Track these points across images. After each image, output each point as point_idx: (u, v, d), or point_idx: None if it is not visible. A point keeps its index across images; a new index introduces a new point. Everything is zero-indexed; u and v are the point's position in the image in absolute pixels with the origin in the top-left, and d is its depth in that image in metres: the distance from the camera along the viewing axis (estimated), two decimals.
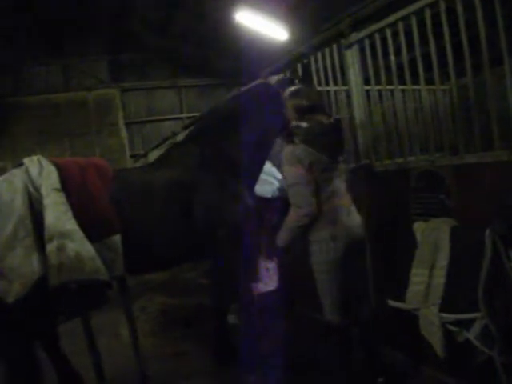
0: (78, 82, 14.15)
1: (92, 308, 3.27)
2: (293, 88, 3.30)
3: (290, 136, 3.11)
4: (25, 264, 2.80)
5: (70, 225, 2.92)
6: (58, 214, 2.90)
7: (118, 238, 3.10)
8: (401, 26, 3.42)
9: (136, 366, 3.59)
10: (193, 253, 3.59)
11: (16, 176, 3.04)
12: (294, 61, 4.74)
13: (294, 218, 2.99)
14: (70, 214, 2.96)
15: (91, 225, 3.02)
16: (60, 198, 2.98)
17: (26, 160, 3.15)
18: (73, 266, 2.83)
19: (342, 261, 3.03)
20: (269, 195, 4.06)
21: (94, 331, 3.54)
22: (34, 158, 3.16)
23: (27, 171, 3.04)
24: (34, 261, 2.81)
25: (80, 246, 2.89)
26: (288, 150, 3.05)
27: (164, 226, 3.37)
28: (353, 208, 3.19)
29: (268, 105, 3.56)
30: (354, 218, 3.15)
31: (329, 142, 3.06)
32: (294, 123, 3.13)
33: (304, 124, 3.08)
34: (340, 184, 3.14)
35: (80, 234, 2.93)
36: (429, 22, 3.20)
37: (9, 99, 13.20)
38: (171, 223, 3.39)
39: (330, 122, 3.15)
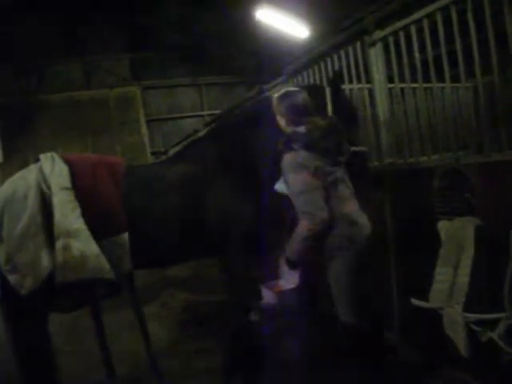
0: (99, 80, 14.26)
1: (102, 298, 3.31)
2: (284, 91, 3.22)
3: (288, 143, 3.01)
4: (36, 260, 2.91)
5: (77, 223, 2.99)
6: (64, 212, 2.97)
7: (125, 235, 3.14)
8: (426, 23, 3.39)
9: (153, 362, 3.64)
10: (205, 249, 3.61)
11: (31, 172, 3.14)
12: (316, 59, 4.73)
13: (307, 226, 2.86)
14: (77, 211, 3.03)
15: (99, 223, 3.07)
16: (68, 196, 3.04)
17: (41, 156, 3.24)
18: (77, 265, 2.91)
19: (358, 263, 3.02)
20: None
21: (116, 327, 3.58)
22: (48, 154, 3.25)
23: (41, 168, 3.13)
24: (44, 257, 2.91)
25: (85, 244, 2.96)
26: (289, 157, 2.95)
27: (174, 221, 3.37)
28: (361, 209, 3.14)
29: None
30: (364, 220, 3.11)
31: (329, 144, 2.99)
32: (290, 129, 3.06)
33: (302, 129, 3.01)
34: (345, 187, 3.08)
35: (86, 233, 2.99)
36: (454, 18, 3.17)
37: (32, 97, 13.38)
38: (182, 219, 3.39)
39: (328, 124, 3.08)
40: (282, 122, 3.14)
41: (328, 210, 2.87)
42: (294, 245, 2.97)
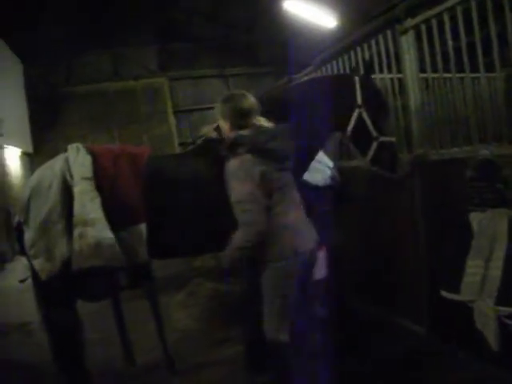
0: (126, 71, 14.41)
1: (124, 287, 3.39)
2: (227, 94, 3.07)
3: (233, 147, 2.83)
4: (55, 246, 3.03)
5: (94, 213, 3.05)
6: (83, 201, 3.06)
7: (142, 226, 3.18)
8: (459, 10, 3.32)
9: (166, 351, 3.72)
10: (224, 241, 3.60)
11: (57, 162, 3.24)
12: (346, 48, 4.68)
13: (242, 237, 2.70)
14: (97, 201, 3.09)
15: (118, 213, 3.13)
16: (89, 186, 3.11)
17: (68, 147, 3.33)
18: (91, 253, 2.99)
19: (296, 278, 2.83)
20: (320, 183, 4.03)
21: (145, 315, 3.63)
22: (74, 145, 3.32)
23: (67, 159, 3.22)
24: (62, 244, 3.04)
25: (100, 233, 3.03)
26: (233, 163, 2.79)
27: (192, 211, 3.35)
28: (307, 219, 2.94)
29: (326, 94, 3.41)
30: (311, 231, 2.93)
31: (275, 148, 2.81)
32: (233, 133, 2.86)
33: (246, 132, 2.83)
34: (293, 193, 2.92)
35: (102, 222, 3.06)
36: (489, 5, 3.10)
37: (61, 89, 13.61)
38: (200, 209, 3.36)
39: (274, 127, 2.93)
40: (225, 126, 2.99)
41: (267, 221, 2.71)
42: (229, 252, 2.80)
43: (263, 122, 2.94)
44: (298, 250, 2.79)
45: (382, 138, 3.36)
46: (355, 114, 3.37)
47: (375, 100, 3.44)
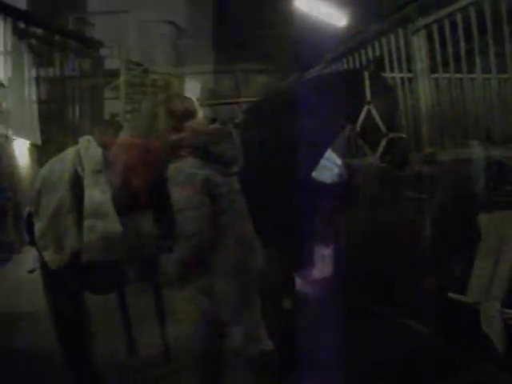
0: (136, 66, 14.41)
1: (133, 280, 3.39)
2: (163, 96, 3.03)
3: (174, 151, 2.72)
4: (64, 238, 3.04)
5: (105, 206, 3.05)
6: (94, 194, 3.06)
7: (151, 220, 3.16)
8: (472, 11, 3.30)
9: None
10: None
11: (68, 154, 3.25)
12: (356, 46, 4.66)
13: (181, 251, 2.47)
14: (107, 194, 3.08)
15: (128, 206, 3.11)
16: (99, 179, 3.11)
17: (80, 139, 3.33)
18: (101, 246, 3.00)
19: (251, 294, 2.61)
20: (328, 181, 4.02)
21: (149, 310, 3.64)
22: (86, 137, 3.32)
23: (78, 151, 3.22)
24: (72, 236, 3.03)
25: (110, 226, 3.03)
26: (173, 167, 2.63)
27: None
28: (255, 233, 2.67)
29: (335, 90, 3.41)
30: (258, 245, 2.66)
31: (220, 151, 2.61)
32: (175, 136, 2.77)
33: (186, 134, 2.71)
34: (241, 201, 2.65)
35: (112, 215, 3.05)
36: (503, 6, 3.08)
37: (68, 82, 13.63)
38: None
39: (217, 129, 2.76)
40: (161, 129, 2.93)
41: (209, 231, 2.47)
42: (174, 264, 2.53)
43: (203, 124, 2.86)
44: (251, 266, 2.59)
45: (392, 135, 3.33)
46: (364, 110, 3.34)
47: (385, 96, 3.41)
